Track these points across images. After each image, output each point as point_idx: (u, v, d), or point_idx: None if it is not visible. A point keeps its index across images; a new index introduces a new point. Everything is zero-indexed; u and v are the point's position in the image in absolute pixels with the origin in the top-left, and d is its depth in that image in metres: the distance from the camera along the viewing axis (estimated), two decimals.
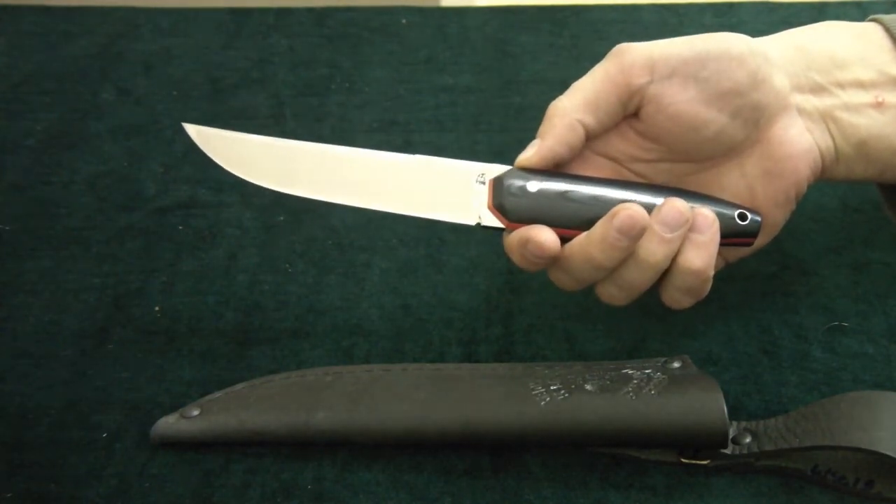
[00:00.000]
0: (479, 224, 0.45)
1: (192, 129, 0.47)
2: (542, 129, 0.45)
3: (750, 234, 0.45)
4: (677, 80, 0.43)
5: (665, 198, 0.43)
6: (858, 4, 0.72)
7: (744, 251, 0.46)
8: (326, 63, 0.69)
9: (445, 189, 0.45)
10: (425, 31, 0.72)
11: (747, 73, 0.43)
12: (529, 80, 0.67)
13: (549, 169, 0.45)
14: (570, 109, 0.44)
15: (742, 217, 0.44)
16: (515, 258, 0.44)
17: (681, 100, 0.43)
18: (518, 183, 0.44)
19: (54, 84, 0.67)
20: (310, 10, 0.74)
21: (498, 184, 0.44)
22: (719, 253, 0.45)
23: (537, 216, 0.44)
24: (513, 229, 0.44)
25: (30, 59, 0.70)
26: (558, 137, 0.44)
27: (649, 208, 0.43)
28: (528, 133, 0.61)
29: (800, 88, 0.45)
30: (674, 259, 0.43)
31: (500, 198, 0.44)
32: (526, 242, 0.43)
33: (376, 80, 0.67)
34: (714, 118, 0.44)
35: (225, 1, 0.79)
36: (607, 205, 0.43)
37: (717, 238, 0.43)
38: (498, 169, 0.45)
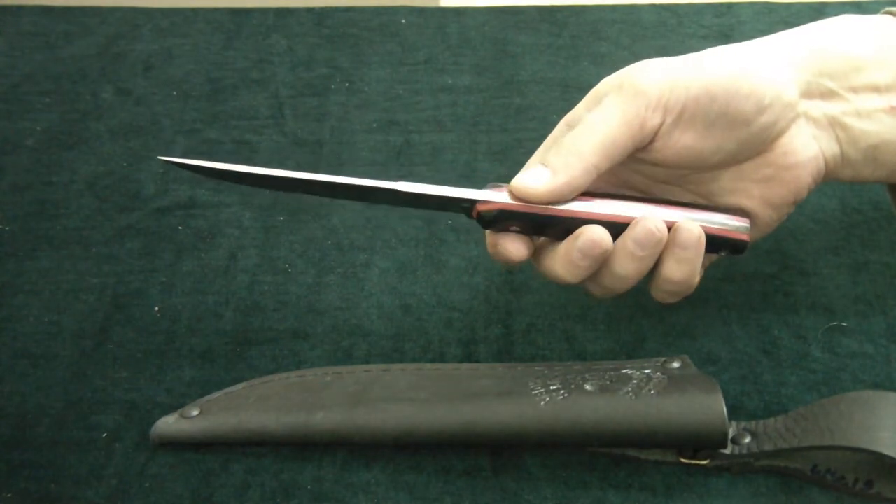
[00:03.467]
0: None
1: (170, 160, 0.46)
2: (554, 161, 0.43)
3: (736, 252, 0.44)
4: (687, 118, 0.42)
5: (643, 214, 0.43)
6: (858, 4, 0.72)
7: None
8: (326, 63, 0.69)
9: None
10: (425, 32, 0.72)
11: (756, 102, 0.42)
12: (529, 80, 0.67)
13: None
14: (588, 153, 0.42)
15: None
16: (490, 253, 0.45)
17: (689, 136, 0.43)
18: (500, 232, 0.44)
19: (54, 84, 0.67)
20: (309, 10, 0.74)
21: (481, 217, 0.44)
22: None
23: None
24: None
25: (30, 59, 0.70)
26: (572, 181, 0.42)
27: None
28: (528, 133, 0.62)
29: (809, 94, 0.44)
30: (656, 266, 0.43)
31: (484, 223, 0.44)
32: (495, 246, 0.44)
33: (376, 80, 0.67)
34: (721, 148, 0.43)
35: (225, 1, 0.79)
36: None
37: (700, 253, 0.43)
38: (482, 197, 0.43)
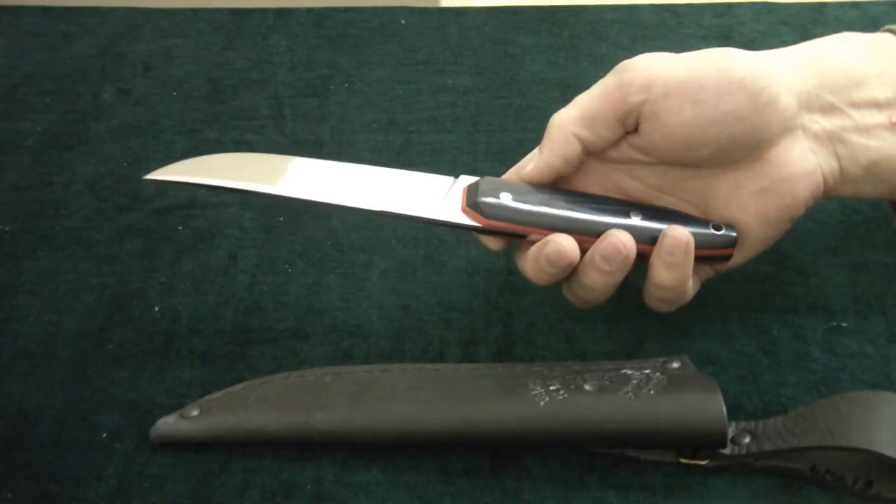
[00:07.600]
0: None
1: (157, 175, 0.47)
2: (542, 143, 0.45)
3: (724, 252, 0.45)
4: (673, 101, 0.43)
5: (613, 228, 0.43)
6: (857, 5, 0.72)
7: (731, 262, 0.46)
8: (326, 63, 0.69)
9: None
10: (425, 32, 0.72)
11: (748, 98, 0.42)
12: (528, 80, 0.67)
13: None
14: (567, 122, 0.44)
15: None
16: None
17: (677, 121, 0.43)
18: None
19: (54, 84, 0.67)
20: (309, 11, 0.74)
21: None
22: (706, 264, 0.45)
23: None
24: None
25: (30, 59, 0.70)
26: (554, 150, 0.44)
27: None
28: (528, 133, 0.62)
29: (809, 108, 0.44)
30: (647, 272, 0.44)
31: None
32: (477, 239, 0.46)
33: (376, 80, 0.67)
34: (711, 140, 0.43)
35: (225, 1, 0.79)
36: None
37: (690, 257, 0.43)
38: (452, 220, 0.45)
